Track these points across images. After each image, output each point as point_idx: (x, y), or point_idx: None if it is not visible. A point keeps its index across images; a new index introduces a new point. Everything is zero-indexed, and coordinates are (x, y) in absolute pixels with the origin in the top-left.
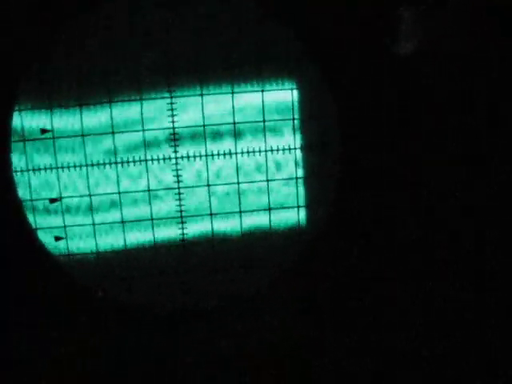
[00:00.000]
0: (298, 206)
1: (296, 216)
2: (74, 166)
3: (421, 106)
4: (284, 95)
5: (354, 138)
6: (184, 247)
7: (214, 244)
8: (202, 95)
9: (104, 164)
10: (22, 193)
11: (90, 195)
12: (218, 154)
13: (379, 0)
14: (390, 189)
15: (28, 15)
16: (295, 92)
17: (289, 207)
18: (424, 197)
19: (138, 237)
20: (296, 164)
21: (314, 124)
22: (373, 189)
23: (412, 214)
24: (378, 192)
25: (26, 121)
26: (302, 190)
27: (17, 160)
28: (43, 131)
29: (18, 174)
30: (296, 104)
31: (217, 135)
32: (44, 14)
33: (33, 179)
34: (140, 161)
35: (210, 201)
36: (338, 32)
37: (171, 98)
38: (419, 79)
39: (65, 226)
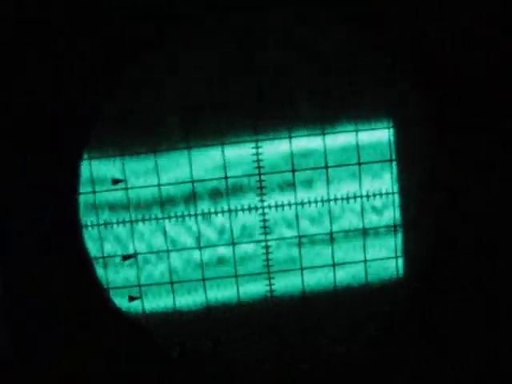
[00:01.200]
0: (396, 257)
1: (394, 266)
2: (150, 219)
3: None
4: (380, 135)
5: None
6: (272, 303)
7: (305, 300)
8: (290, 138)
9: (183, 216)
10: (92, 249)
11: (167, 251)
12: (309, 202)
13: None
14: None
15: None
16: (392, 131)
17: (386, 258)
18: None
19: (221, 294)
20: (394, 211)
21: (414, 166)
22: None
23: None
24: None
25: (95, 170)
26: (399, 238)
27: (86, 213)
28: (115, 181)
29: (88, 228)
30: (393, 144)
31: (307, 181)
32: (117, 55)
33: (103, 234)
34: (223, 211)
35: (300, 253)
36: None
37: (256, 141)
38: None
39: (139, 285)
